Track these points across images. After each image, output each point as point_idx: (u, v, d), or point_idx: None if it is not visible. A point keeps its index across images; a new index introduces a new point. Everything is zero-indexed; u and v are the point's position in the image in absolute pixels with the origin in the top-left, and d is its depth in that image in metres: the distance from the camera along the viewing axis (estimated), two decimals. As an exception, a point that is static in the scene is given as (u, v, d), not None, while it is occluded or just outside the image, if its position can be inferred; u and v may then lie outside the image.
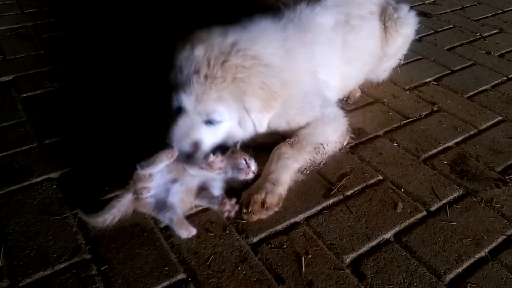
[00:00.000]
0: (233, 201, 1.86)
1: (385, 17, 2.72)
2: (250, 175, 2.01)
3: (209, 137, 2.02)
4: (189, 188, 1.91)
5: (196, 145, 1.97)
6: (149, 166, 1.83)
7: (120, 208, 1.83)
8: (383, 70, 2.94)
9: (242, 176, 2.00)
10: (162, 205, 1.85)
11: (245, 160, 2.00)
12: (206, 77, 1.92)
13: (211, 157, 1.88)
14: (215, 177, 1.97)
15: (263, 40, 2.09)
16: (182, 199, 1.88)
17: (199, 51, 1.95)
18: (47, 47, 3.22)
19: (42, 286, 1.64)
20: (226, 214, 1.85)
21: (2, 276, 1.66)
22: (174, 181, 1.89)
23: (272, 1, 4.26)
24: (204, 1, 4.09)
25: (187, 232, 1.80)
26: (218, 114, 1.97)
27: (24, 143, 2.30)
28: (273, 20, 2.27)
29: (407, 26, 2.78)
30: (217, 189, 1.95)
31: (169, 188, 1.88)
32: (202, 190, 1.95)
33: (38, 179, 2.09)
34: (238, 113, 2.03)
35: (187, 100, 1.94)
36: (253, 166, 2.03)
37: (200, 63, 1.93)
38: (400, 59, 3.06)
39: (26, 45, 3.23)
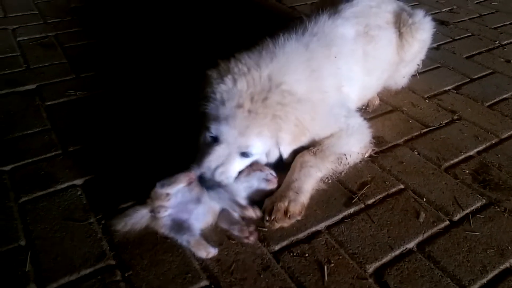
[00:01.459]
0: (252, 228, 1.86)
1: (400, 23, 2.72)
2: (276, 185, 2.03)
3: (238, 168, 2.03)
4: (213, 210, 1.92)
5: (226, 175, 1.98)
6: (168, 186, 1.84)
7: (133, 219, 1.84)
8: (402, 76, 2.94)
9: (270, 187, 2.02)
10: (179, 226, 1.83)
11: (269, 171, 2.03)
12: (249, 112, 1.94)
13: (249, 209, 1.89)
14: (239, 192, 2.00)
15: (291, 68, 2.09)
16: (206, 221, 1.89)
17: (242, 86, 1.96)
18: (70, 56, 3.28)
19: (68, 292, 1.67)
20: (245, 241, 1.85)
21: (29, 281, 1.69)
22: (197, 201, 1.89)
23: (288, 10, 4.31)
24: (223, 9, 4.15)
25: (205, 252, 1.79)
26: (255, 148, 1.99)
27: (48, 151, 2.34)
28: (296, 37, 2.26)
29: (423, 31, 2.77)
30: (241, 200, 1.97)
31: (191, 209, 1.87)
32: (223, 211, 1.95)
33: (63, 186, 2.12)
34: (269, 146, 2.05)
35: (228, 132, 1.95)
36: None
37: (244, 98, 1.94)
38: (418, 65, 3.06)
39: (49, 54, 3.30)
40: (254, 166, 2.06)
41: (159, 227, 1.86)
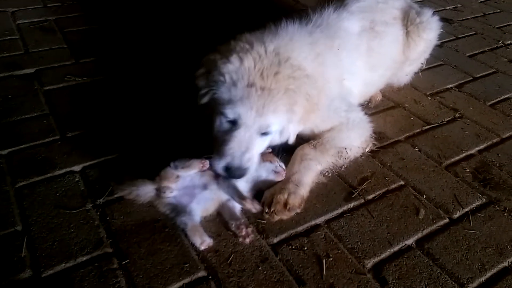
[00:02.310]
0: (250, 229, 1.85)
1: (408, 21, 2.69)
2: (284, 178, 2.01)
3: (259, 149, 1.97)
4: (219, 199, 1.91)
5: (252, 160, 1.92)
6: (181, 168, 1.85)
7: (139, 190, 1.85)
8: (405, 74, 2.92)
9: (278, 179, 2.00)
10: (181, 209, 1.84)
11: (279, 163, 2.01)
12: (262, 89, 1.85)
13: (249, 202, 1.86)
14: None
15: (296, 45, 2.03)
16: (207, 208, 1.88)
17: (249, 63, 1.86)
18: (69, 41, 3.24)
19: (64, 278, 1.65)
20: (241, 240, 1.82)
21: (25, 266, 1.67)
22: (205, 187, 1.90)
23: (291, 2, 4.27)
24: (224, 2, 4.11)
25: (200, 240, 1.76)
26: (274, 126, 1.93)
27: (46, 136, 2.31)
28: (299, 24, 2.22)
29: (430, 31, 2.75)
30: (244, 191, 1.95)
31: (196, 193, 1.87)
32: (227, 202, 1.94)
33: (61, 172, 2.10)
34: (283, 123, 1.98)
35: (246, 113, 1.85)
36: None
37: (254, 75, 1.85)
38: (422, 64, 3.04)
39: (48, 38, 3.25)
40: (264, 157, 2.03)
41: (161, 206, 1.87)
